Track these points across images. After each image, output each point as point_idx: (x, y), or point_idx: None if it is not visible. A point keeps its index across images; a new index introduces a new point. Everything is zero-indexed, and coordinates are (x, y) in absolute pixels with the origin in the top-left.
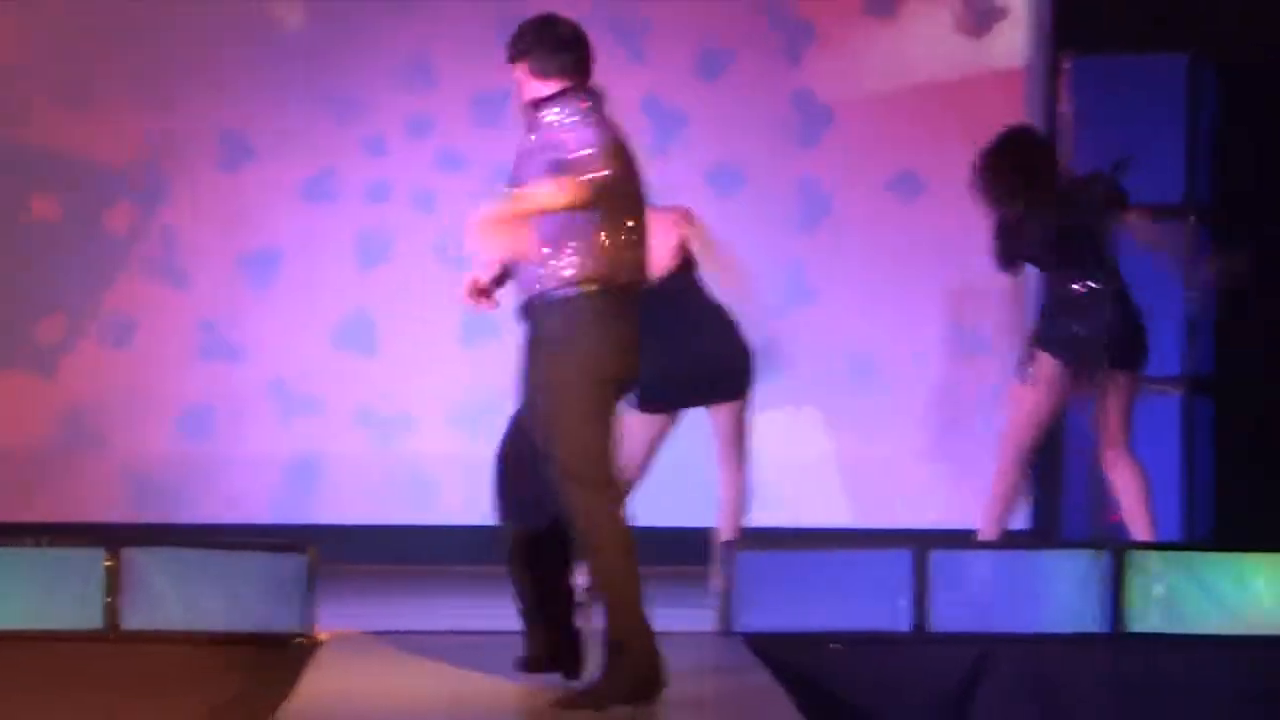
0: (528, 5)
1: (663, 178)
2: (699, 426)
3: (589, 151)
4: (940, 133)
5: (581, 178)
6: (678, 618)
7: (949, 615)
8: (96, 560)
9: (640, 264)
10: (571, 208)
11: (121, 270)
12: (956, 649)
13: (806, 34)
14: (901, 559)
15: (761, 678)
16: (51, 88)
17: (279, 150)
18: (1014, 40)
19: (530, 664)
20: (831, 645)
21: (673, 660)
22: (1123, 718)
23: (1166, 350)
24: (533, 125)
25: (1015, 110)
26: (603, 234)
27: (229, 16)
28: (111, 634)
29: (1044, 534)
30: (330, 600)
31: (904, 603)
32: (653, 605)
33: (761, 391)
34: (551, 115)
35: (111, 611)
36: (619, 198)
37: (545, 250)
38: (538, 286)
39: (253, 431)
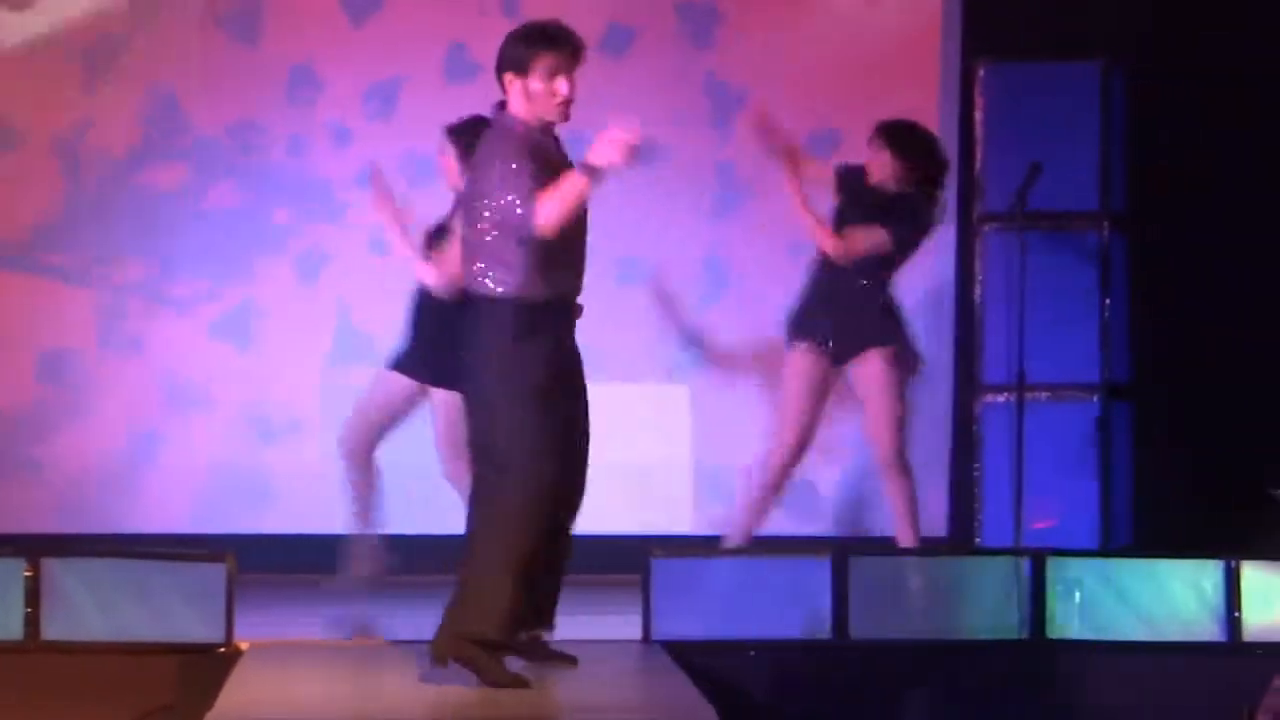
0: None
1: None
2: (620, 433)
3: None
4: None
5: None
6: (603, 625)
7: (868, 622)
8: (16, 571)
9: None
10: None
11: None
12: (876, 656)
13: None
14: (821, 566)
15: (680, 684)
16: None
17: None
18: (927, 47)
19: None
20: (751, 652)
21: (593, 669)
22: None
23: (1084, 357)
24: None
25: (929, 118)
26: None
27: None
28: (31, 644)
29: (961, 541)
30: (250, 609)
31: (824, 609)
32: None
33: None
34: None
35: (32, 622)
36: None
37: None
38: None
39: (171, 440)
